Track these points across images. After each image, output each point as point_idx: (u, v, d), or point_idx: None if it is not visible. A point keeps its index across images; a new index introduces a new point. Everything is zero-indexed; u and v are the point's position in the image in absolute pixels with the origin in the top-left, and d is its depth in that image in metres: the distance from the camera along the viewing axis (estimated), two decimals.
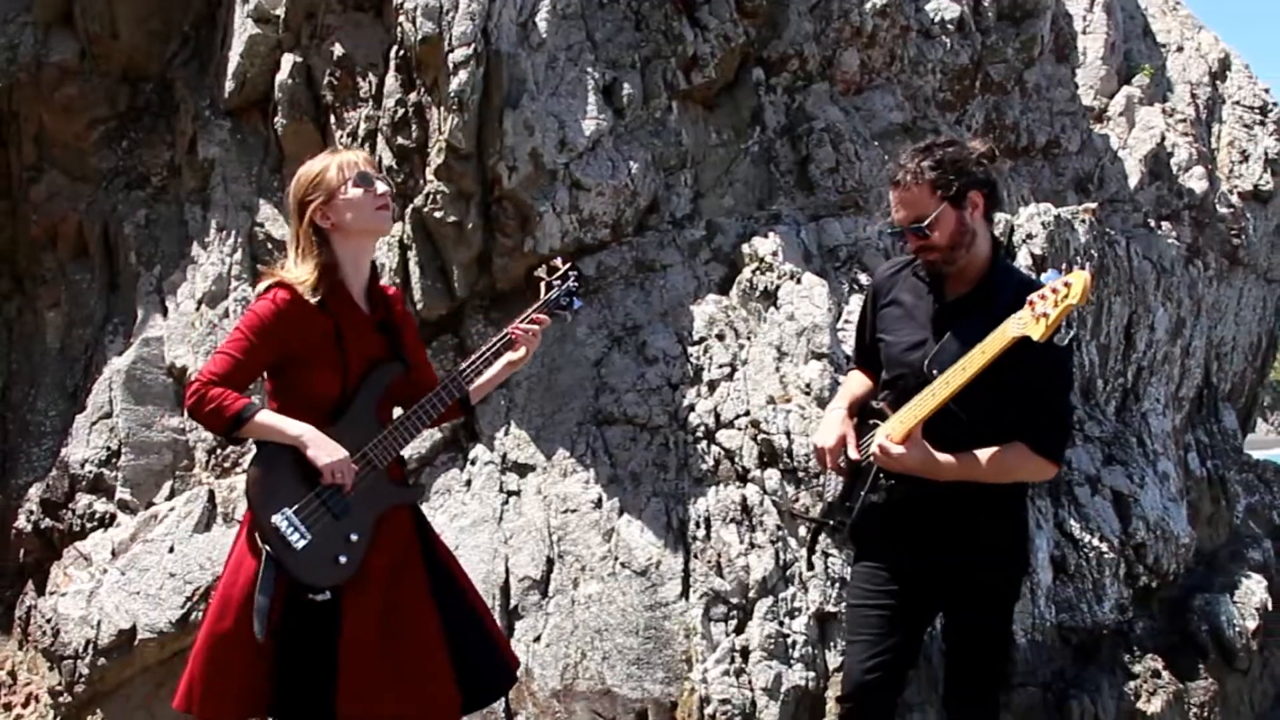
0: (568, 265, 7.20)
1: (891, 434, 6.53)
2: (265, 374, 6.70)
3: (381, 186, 6.63)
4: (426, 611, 6.61)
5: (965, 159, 6.61)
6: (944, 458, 6.52)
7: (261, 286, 6.61)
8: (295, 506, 6.31)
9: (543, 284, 7.05)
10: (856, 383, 7.29)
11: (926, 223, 6.48)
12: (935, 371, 6.50)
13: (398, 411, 6.80)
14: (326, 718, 6.41)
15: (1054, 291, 6.06)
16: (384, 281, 7.28)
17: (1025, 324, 6.11)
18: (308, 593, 6.31)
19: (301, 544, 6.28)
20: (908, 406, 6.58)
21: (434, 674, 6.54)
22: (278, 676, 6.46)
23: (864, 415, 7.05)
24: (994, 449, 6.52)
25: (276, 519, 6.29)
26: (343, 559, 6.35)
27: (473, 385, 6.92)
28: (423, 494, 6.88)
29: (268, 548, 6.30)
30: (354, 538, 6.39)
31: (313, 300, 6.42)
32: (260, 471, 6.42)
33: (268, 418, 6.43)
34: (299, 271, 6.46)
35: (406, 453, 7.29)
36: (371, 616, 6.47)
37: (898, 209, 6.64)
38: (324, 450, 6.33)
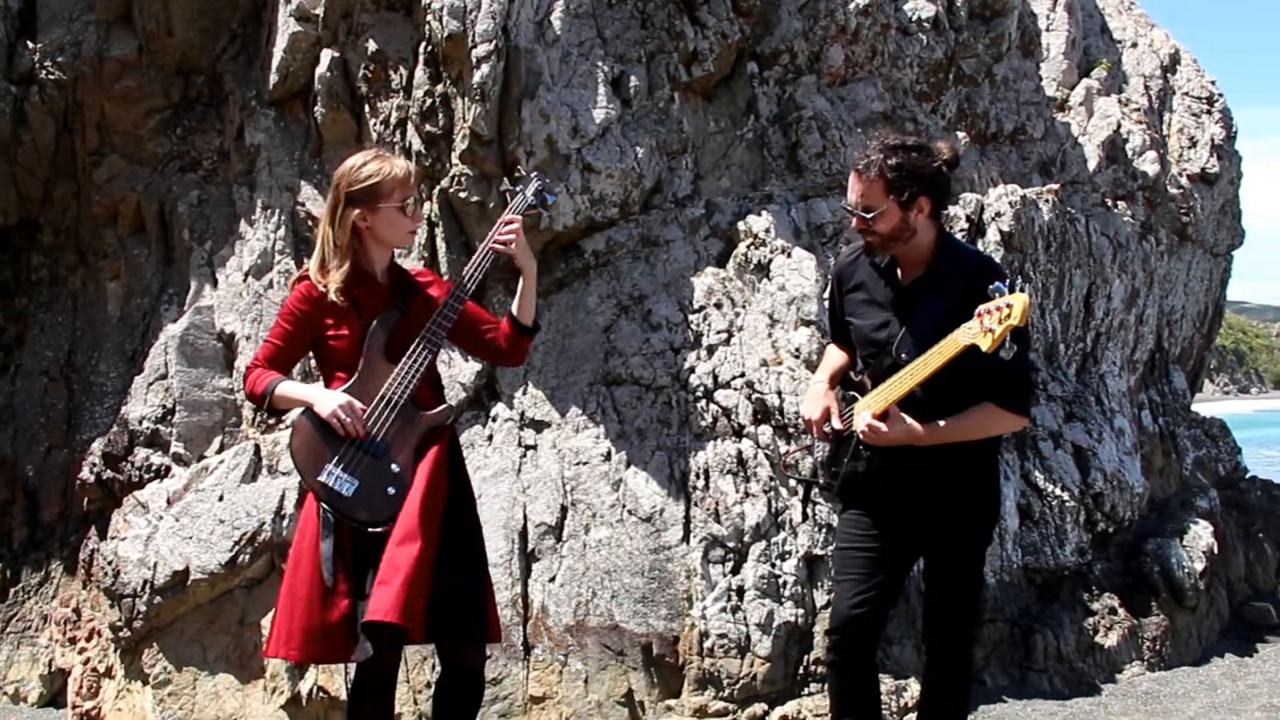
0: (530, 172, 7.33)
1: (874, 413, 6.61)
2: (312, 353, 6.94)
3: (420, 211, 7.21)
4: (430, 546, 6.60)
5: (923, 168, 6.73)
6: (924, 426, 6.61)
7: (293, 279, 6.87)
8: (335, 459, 6.44)
9: (508, 195, 7.16)
10: (835, 356, 7.40)
11: (872, 215, 6.66)
12: (904, 356, 6.64)
13: None
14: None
15: (998, 309, 6.20)
16: (412, 257, 7.30)
17: (975, 335, 6.26)
18: (368, 529, 6.45)
19: (351, 490, 6.43)
20: (880, 389, 6.71)
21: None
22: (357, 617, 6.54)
23: (844, 385, 7.20)
24: (968, 412, 6.64)
25: (323, 477, 6.43)
26: (391, 490, 6.49)
27: (514, 307, 7.04)
28: (451, 415, 6.83)
29: (323, 505, 6.45)
30: (396, 468, 6.52)
31: (338, 299, 6.62)
32: (298, 440, 6.58)
33: (285, 388, 6.65)
34: (333, 274, 6.66)
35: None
36: (431, 548, 6.54)
37: (853, 192, 6.77)
38: (325, 403, 6.49)
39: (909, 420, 6.60)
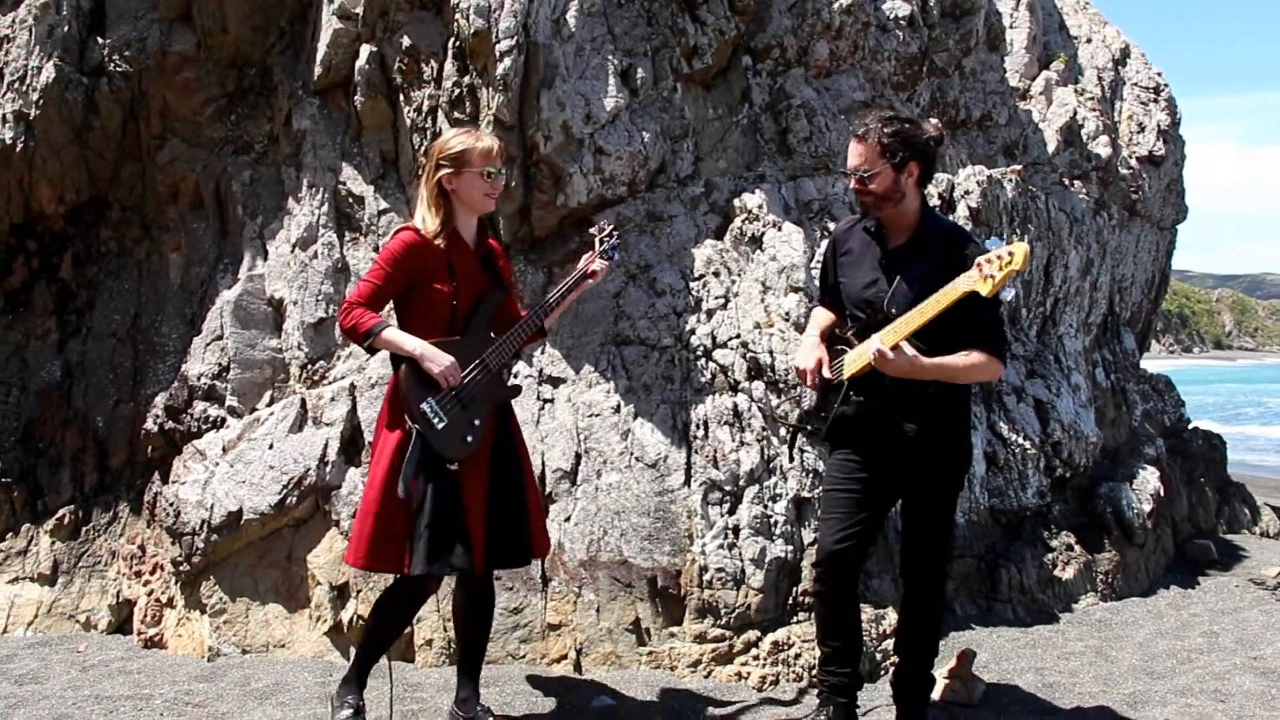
0: (612, 227, 7.87)
1: (884, 342, 6.75)
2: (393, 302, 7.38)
3: (500, 180, 7.42)
4: (482, 487, 7.25)
5: (915, 137, 6.99)
6: (925, 361, 6.76)
7: (395, 228, 7.63)
8: (437, 397, 7.00)
9: (596, 239, 7.80)
10: (823, 316, 7.62)
11: (868, 176, 6.95)
12: (894, 311, 6.84)
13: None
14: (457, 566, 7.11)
15: (999, 258, 6.39)
16: None
17: (975, 281, 6.46)
18: (444, 463, 7.03)
19: (441, 425, 7.01)
20: (879, 335, 6.80)
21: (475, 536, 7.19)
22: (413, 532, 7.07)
23: (831, 342, 7.37)
24: (959, 354, 6.82)
25: (424, 405, 6.99)
26: (469, 439, 7.11)
27: (548, 321, 7.69)
28: (520, 392, 7.30)
29: (417, 426, 6.98)
30: (476, 423, 7.14)
31: (439, 244, 7.17)
32: (409, 370, 7.07)
33: (392, 334, 7.11)
34: (429, 223, 7.22)
35: None
36: (482, 489, 7.24)
37: (853, 156, 7.05)
38: (435, 361, 7.03)
39: (913, 352, 6.72)
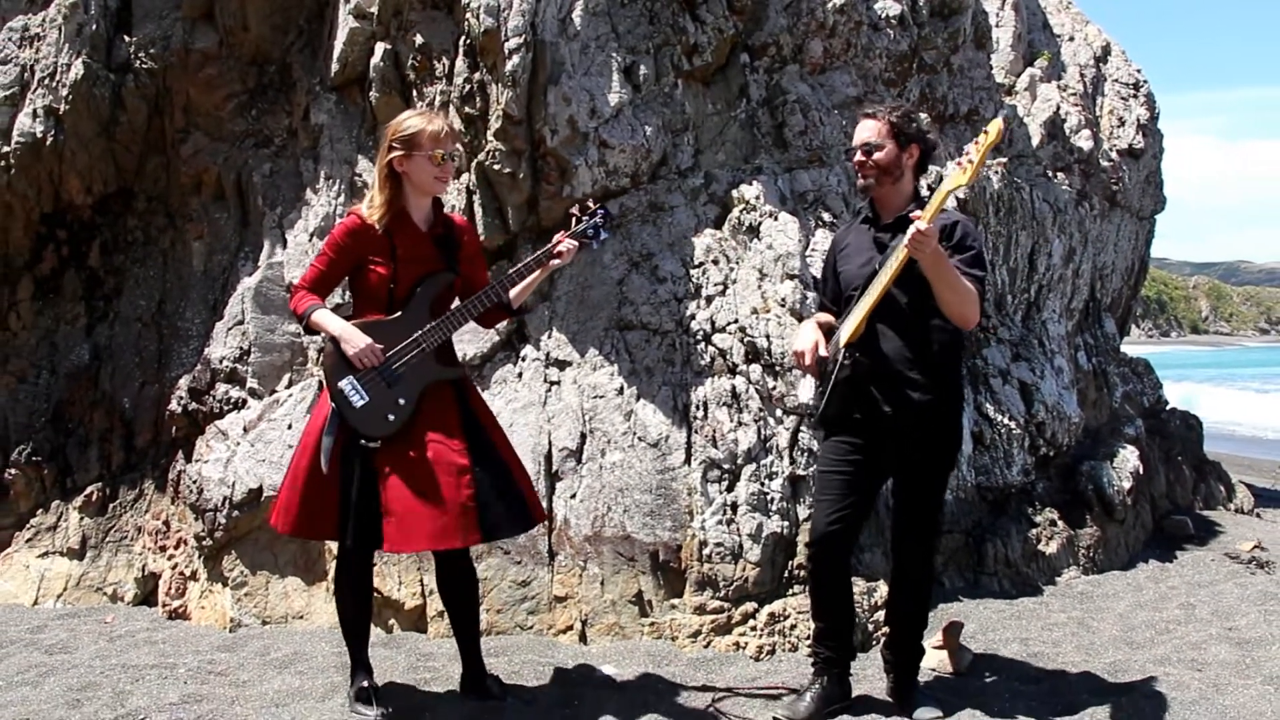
0: (597, 206, 7.55)
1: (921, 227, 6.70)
2: (348, 280, 7.26)
3: (450, 164, 7.16)
4: (460, 461, 6.95)
5: (919, 125, 7.31)
6: (944, 258, 6.77)
7: (346, 212, 7.44)
8: (357, 374, 6.88)
9: (574, 218, 7.50)
10: (822, 316, 7.67)
11: (873, 149, 7.17)
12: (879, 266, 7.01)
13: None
14: (376, 537, 6.99)
15: (975, 144, 6.60)
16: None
17: (954, 178, 6.65)
18: (362, 439, 6.88)
19: (360, 403, 6.87)
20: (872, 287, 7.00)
21: (460, 506, 6.89)
22: (342, 506, 7.02)
23: (827, 335, 7.41)
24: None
25: (342, 384, 6.90)
26: (391, 417, 6.90)
27: (512, 293, 7.32)
28: (460, 373, 7.16)
29: (334, 404, 6.90)
30: (402, 401, 6.92)
31: (378, 227, 7.00)
32: (332, 348, 6.97)
33: (320, 317, 7.03)
34: (375, 204, 7.06)
35: (471, 351, 7.42)
36: (405, 466, 6.91)
37: (861, 132, 7.27)
38: (351, 342, 6.91)
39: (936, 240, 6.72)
